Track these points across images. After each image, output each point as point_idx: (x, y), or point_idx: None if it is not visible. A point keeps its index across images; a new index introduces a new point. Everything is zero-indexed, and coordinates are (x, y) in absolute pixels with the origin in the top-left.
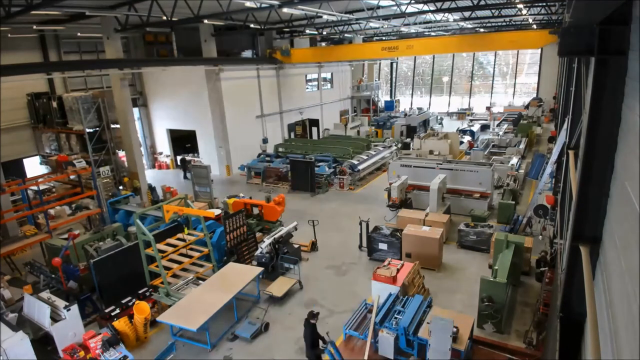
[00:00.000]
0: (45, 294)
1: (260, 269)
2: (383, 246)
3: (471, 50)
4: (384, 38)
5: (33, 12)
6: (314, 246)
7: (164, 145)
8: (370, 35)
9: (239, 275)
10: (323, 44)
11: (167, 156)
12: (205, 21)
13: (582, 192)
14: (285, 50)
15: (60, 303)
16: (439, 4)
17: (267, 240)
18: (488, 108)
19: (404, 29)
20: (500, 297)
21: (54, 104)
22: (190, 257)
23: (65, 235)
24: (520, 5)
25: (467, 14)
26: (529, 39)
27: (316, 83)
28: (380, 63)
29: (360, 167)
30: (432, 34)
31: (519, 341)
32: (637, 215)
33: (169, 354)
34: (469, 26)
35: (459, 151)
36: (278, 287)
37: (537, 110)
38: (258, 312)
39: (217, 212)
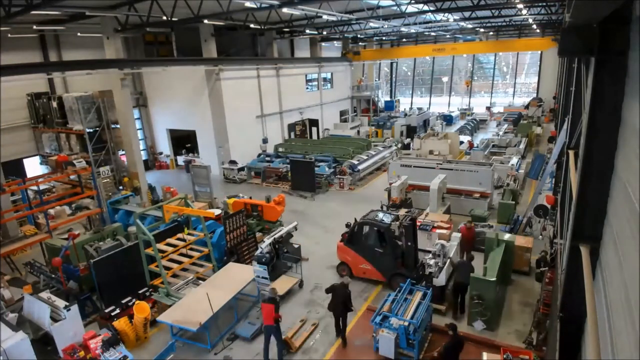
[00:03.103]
0: (45, 294)
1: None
2: None
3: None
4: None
5: (33, 12)
6: None
7: (164, 145)
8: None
9: (239, 275)
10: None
11: (167, 156)
12: (205, 21)
13: (582, 192)
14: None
15: (60, 303)
16: (439, 4)
17: (267, 240)
18: (488, 108)
19: (404, 29)
20: (489, 294)
21: (54, 104)
22: (190, 257)
23: (65, 235)
24: (520, 6)
25: (467, 14)
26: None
27: (316, 83)
28: (380, 63)
29: (360, 167)
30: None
31: (518, 341)
32: (637, 215)
33: (169, 354)
34: (469, 26)
35: (459, 151)
36: (279, 285)
37: (537, 110)
38: (258, 312)
39: (217, 212)
